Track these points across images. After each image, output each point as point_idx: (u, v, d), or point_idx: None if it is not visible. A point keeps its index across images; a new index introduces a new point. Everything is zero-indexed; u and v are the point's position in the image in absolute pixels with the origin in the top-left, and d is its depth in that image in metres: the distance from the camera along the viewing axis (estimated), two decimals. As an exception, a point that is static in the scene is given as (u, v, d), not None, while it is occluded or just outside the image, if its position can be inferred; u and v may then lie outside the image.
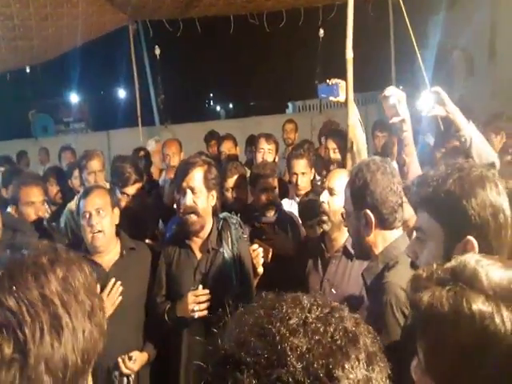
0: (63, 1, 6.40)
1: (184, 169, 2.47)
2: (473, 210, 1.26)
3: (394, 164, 2.55)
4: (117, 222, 2.60)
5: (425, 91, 2.44)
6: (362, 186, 1.76)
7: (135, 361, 2.40)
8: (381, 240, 1.79)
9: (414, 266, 1.47)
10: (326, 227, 2.41)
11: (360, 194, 1.77)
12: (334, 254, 2.43)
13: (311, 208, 2.73)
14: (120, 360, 2.36)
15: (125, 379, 2.41)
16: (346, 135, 2.95)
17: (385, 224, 1.77)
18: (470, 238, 1.25)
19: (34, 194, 3.23)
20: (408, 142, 2.32)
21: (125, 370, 2.38)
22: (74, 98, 19.70)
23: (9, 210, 3.30)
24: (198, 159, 2.53)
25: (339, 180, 2.40)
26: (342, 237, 2.41)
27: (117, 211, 2.61)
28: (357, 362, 0.59)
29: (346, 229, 2.14)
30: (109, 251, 2.54)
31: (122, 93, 23.12)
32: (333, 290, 2.34)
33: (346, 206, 1.90)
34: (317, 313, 0.63)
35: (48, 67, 8.59)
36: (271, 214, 2.96)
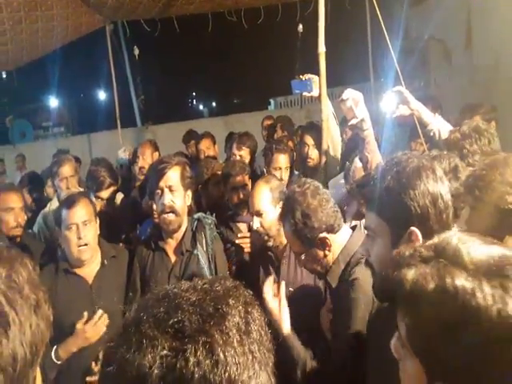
0: (37, 4, 6.31)
1: (160, 169, 2.44)
2: (412, 201, 1.30)
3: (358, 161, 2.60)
4: (99, 231, 2.56)
5: (386, 93, 2.48)
6: (305, 220, 1.80)
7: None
8: (337, 246, 1.84)
9: (367, 263, 1.53)
10: (271, 243, 2.44)
11: (306, 228, 1.80)
12: (282, 255, 2.43)
13: None
14: (93, 363, 2.31)
15: None
16: (321, 129, 2.96)
17: (334, 230, 1.84)
18: (413, 228, 1.29)
19: (13, 200, 3.18)
20: (369, 139, 2.36)
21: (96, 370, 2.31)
22: (53, 102, 19.41)
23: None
24: (174, 159, 2.51)
25: (261, 199, 2.44)
26: (284, 238, 2.36)
27: (98, 220, 2.57)
28: (237, 303, 0.71)
29: None
30: (90, 262, 2.50)
31: (102, 95, 22.87)
32: (290, 288, 2.35)
33: (295, 249, 1.93)
34: (203, 281, 0.76)
35: (25, 72, 8.48)
36: (244, 213, 2.95)
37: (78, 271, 2.47)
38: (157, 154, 4.43)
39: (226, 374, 0.64)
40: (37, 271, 0.78)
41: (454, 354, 0.79)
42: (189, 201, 2.50)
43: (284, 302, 1.86)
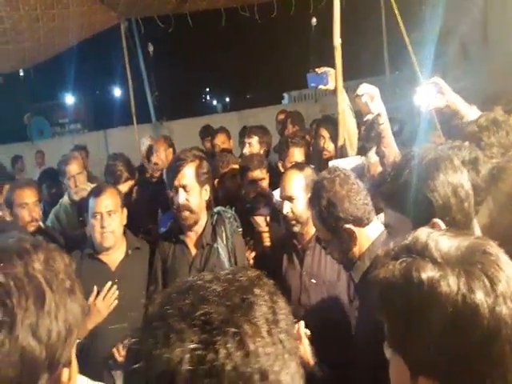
0: (53, 2, 6.39)
1: (175, 166, 2.46)
2: (433, 193, 1.29)
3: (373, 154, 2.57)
4: (125, 222, 2.62)
5: (422, 85, 2.44)
6: (329, 208, 1.74)
7: None
8: (364, 240, 1.78)
9: None
10: (297, 229, 2.42)
11: (331, 216, 1.75)
12: (307, 246, 2.43)
13: None
14: (115, 349, 2.37)
15: (119, 372, 2.43)
16: (337, 123, 2.96)
17: (363, 224, 1.77)
18: (436, 220, 1.28)
19: (27, 196, 3.25)
20: (385, 134, 2.33)
21: (119, 359, 2.37)
22: (69, 99, 19.67)
23: (-1, 213, 3.32)
24: (189, 155, 2.51)
25: (293, 184, 2.41)
26: (312, 228, 2.36)
27: (125, 211, 2.63)
28: (263, 292, 0.71)
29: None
30: (115, 250, 2.57)
31: (117, 91, 23.09)
32: (312, 280, 2.34)
33: (321, 235, 1.88)
34: (225, 271, 0.75)
35: (42, 70, 8.58)
36: (261, 206, 2.97)
37: (102, 257, 2.54)
38: (171, 150, 4.47)
39: (257, 366, 0.63)
40: (72, 266, 0.82)
41: (430, 347, 0.80)
42: (206, 196, 2.51)
43: (306, 341, 1.82)
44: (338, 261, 1.94)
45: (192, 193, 2.43)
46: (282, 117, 5.98)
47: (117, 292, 2.44)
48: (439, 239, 0.87)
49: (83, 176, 3.77)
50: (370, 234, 1.78)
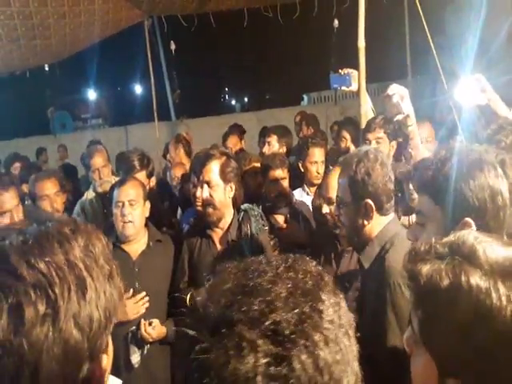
0: (80, -1, 6.52)
1: (201, 161, 2.49)
2: (471, 192, 1.28)
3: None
4: (147, 214, 2.68)
5: (464, 79, 2.41)
6: (364, 177, 1.81)
7: (154, 328, 2.47)
8: (376, 226, 1.85)
9: None
10: (338, 231, 2.43)
11: (362, 185, 1.82)
12: (346, 249, 2.45)
13: None
14: (142, 322, 2.45)
15: (138, 353, 2.50)
16: (359, 125, 2.97)
17: (382, 211, 1.85)
18: (468, 219, 1.28)
19: (47, 187, 3.34)
20: (413, 135, 2.34)
21: (143, 333, 2.45)
22: (91, 94, 19.96)
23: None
24: (216, 152, 2.52)
25: (336, 186, 2.42)
26: None
27: (148, 204, 2.69)
28: (328, 295, 0.69)
29: None
30: (137, 241, 2.63)
31: (138, 88, 23.33)
32: (346, 284, 2.35)
33: (342, 195, 1.93)
34: (283, 265, 0.71)
35: (66, 65, 8.73)
36: (282, 205, 2.99)
37: (124, 246, 2.60)
38: (180, 147, 4.44)
39: (330, 375, 0.63)
40: (110, 247, 0.83)
41: (466, 351, 0.80)
42: (231, 193, 2.51)
43: None
44: (348, 238, 2.01)
45: (216, 189, 2.45)
46: (298, 118, 6.02)
47: (146, 298, 2.51)
48: (487, 246, 0.86)
49: (108, 169, 3.83)
50: (383, 222, 1.86)
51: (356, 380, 0.68)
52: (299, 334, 0.62)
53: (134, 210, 2.57)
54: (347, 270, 2.41)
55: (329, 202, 2.44)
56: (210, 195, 2.45)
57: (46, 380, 0.65)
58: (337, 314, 0.68)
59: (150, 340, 2.48)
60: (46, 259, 0.69)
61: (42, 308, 0.66)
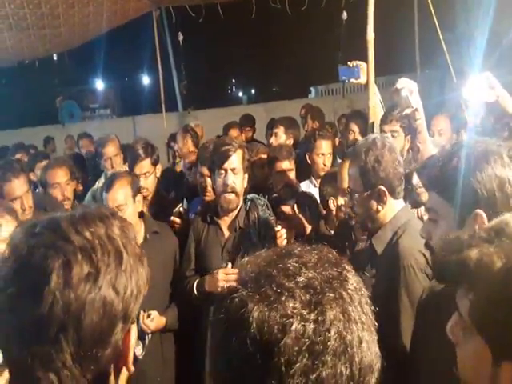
0: (89, -12, 6.53)
1: (225, 150, 2.55)
2: (479, 184, 1.30)
3: None
4: (140, 208, 2.67)
5: (473, 77, 2.42)
6: (374, 164, 1.85)
7: (152, 319, 2.49)
8: (389, 212, 1.90)
9: (428, 246, 1.52)
10: (352, 222, 2.45)
11: (373, 173, 1.86)
12: (360, 238, 2.45)
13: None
14: (142, 313, 2.46)
15: (140, 345, 2.52)
16: (367, 117, 2.98)
17: (394, 195, 1.89)
18: (479, 211, 1.29)
19: (58, 176, 3.38)
20: (421, 129, 2.35)
21: (141, 325, 2.46)
22: (99, 84, 19.95)
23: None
24: (236, 141, 2.65)
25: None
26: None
27: (139, 198, 2.68)
28: (350, 269, 0.75)
29: None
30: None
31: (146, 79, 23.30)
32: (360, 272, 2.37)
33: (353, 186, 1.96)
34: (307, 247, 0.78)
35: (74, 55, 8.76)
36: (288, 197, 3.00)
37: None
38: (188, 138, 4.47)
39: (356, 334, 0.68)
40: (134, 233, 0.90)
41: None
42: (245, 183, 2.63)
43: None
44: (361, 225, 2.06)
45: (238, 176, 2.55)
46: (303, 112, 6.01)
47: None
48: None
49: (120, 158, 3.87)
50: (396, 207, 1.91)
51: (374, 353, 0.72)
52: (329, 289, 0.70)
53: (124, 213, 2.52)
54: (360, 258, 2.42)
55: (343, 193, 2.47)
56: (234, 182, 2.53)
57: (87, 328, 0.74)
58: (359, 287, 0.74)
59: (149, 331, 2.50)
60: (91, 229, 0.79)
61: (86, 267, 0.75)
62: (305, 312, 0.67)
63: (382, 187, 1.86)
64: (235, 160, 2.55)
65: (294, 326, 0.66)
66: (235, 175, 2.54)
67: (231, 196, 2.54)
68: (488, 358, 0.85)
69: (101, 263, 0.77)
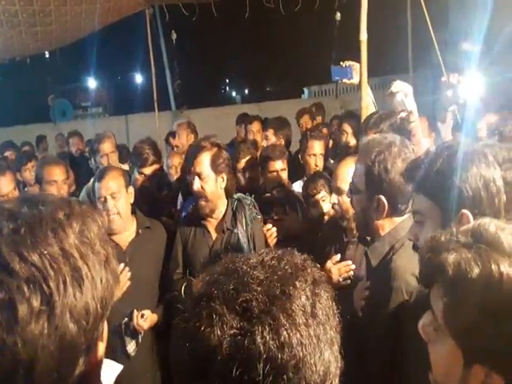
0: (81, -14, 6.47)
1: (192, 153, 2.51)
2: (464, 184, 1.30)
3: None
4: (131, 200, 2.67)
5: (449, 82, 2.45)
6: (382, 172, 1.70)
7: (146, 319, 2.48)
8: (388, 223, 1.78)
9: (415, 248, 1.50)
10: (344, 223, 2.37)
11: (377, 179, 1.71)
12: (351, 240, 2.38)
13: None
14: (135, 312, 2.45)
15: (133, 342, 2.51)
16: (360, 118, 2.98)
17: (397, 212, 1.76)
18: (465, 211, 1.29)
19: (56, 174, 3.36)
20: (415, 131, 2.35)
21: (135, 325, 2.45)
22: (91, 83, 19.90)
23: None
24: (206, 143, 2.52)
25: (346, 176, 2.28)
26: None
27: (131, 190, 2.68)
28: (304, 284, 0.74)
29: None
30: (125, 230, 2.63)
31: (138, 78, 23.25)
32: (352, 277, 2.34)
33: (357, 181, 1.83)
34: (271, 255, 0.78)
35: (66, 52, 8.69)
36: (281, 196, 2.97)
37: (113, 238, 2.59)
38: (192, 136, 4.52)
39: (292, 356, 0.67)
40: (105, 226, 0.78)
41: (496, 338, 0.81)
42: (223, 184, 2.52)
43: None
44: (358, 231, 1.97)
45: (207, 180, 2.46)
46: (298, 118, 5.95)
47: (129, 274, 2.46)
48: (508, 233, 0.88)
49: (115, 155, 3.87)
50: (397, 219, 1.77)
51: (327, 369, 0.71)
52: (266, 313, 0.69)
53: (117, 202, 2.55)
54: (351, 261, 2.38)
55: (337, 191, 2.39)
56: (202, 187, 2.46)
57: (41, 377, 0.62)
58: (310, 304, 0.72)
59: (142, 331, 2.51)
60: (40, 250, 0.64)
61: (36, 304, 0.62)
62: (235, 339, 0.67)
63: (382, 198, 1.72)
64: (201, 164, 2.46)
65: (221, 352, 0.67)
66: (202, 179, 2.46)
67: (201, 202, 2.48)
68: (459, 360, 0.86)
69: (55, 294, 0.63)
